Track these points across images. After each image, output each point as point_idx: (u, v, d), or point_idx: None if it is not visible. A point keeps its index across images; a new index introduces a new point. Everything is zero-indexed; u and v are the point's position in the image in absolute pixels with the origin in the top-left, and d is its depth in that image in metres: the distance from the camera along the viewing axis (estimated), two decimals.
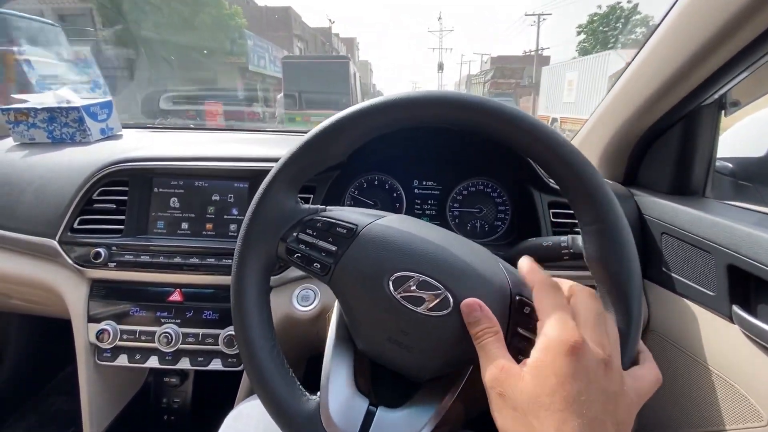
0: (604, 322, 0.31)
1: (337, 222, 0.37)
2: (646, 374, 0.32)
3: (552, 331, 0.29)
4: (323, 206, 0.40)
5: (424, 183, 0.84)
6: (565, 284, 0.35)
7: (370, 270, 0.35)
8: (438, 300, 0.34)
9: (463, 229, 0.81)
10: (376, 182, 0.83)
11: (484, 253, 0.39)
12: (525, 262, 0.37)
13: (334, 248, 0.36)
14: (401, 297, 0.34)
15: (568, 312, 0.31)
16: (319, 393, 0.35)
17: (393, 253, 0.36)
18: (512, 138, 0.35)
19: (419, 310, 0.34)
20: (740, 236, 0.53)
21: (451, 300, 0.34)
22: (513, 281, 0.36)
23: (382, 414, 0.34)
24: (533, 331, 0.32)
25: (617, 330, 0.32)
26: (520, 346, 0.33)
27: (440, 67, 58.03)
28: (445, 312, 0.34)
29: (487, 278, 0.35)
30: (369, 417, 0.34)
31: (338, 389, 0.35)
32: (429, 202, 0.83)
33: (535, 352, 0.30)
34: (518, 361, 0.31)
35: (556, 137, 0.34)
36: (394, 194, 0.83)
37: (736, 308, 0.53)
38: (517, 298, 0.35)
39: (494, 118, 0.35)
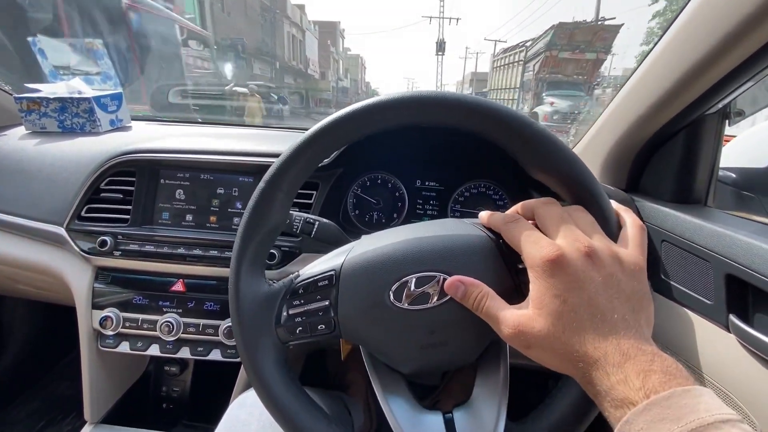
0: (569, 217, 0.32)
1: (316, 277, 0.37)
2: (631, 231, 0.33)
3: (531, 259, 0.30)
4: (294, 272, 0.39)
5: (427, 183, 0.84)
6: (523, 207, 0.35)
7: (368, 299, 0.35)
8: (439, 286, 0.34)
9: None
10: (379, 181, 0.84)
11: (448, 222, 0.39)
12: (482, 214, 0.37)
13: (326, 302, 0.36)
14: (408, 304, 0.34)
15: (534, 231, 0.31)
16: None
17: (378, 272, 0.35)
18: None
19: (429, 305, 0.34)
20: (739, 245, 0.53)
21: (450, 278, 0.34)
22: (484, 228, 0.37)
23: (459, 415, 0.35)
24: None
25: (587, 214, 0.32)
26: (527, 280, 0.33)
27: (440, 47, 40.49)
28: (449, 294, 0.34)
29: (467, 239, 0.36)
30: (451, 425, 0.35)
31: (410, 420, 0.35)
32: (431, 202, 0.84)
33: (530, 287, 0.30)
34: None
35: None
36: (397, 193, 0.84)
37: (733, 318, 0.53)
38: (501, 240, 0.35)
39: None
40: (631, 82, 0.67)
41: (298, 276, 0.38)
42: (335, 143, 0.37)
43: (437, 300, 0.34)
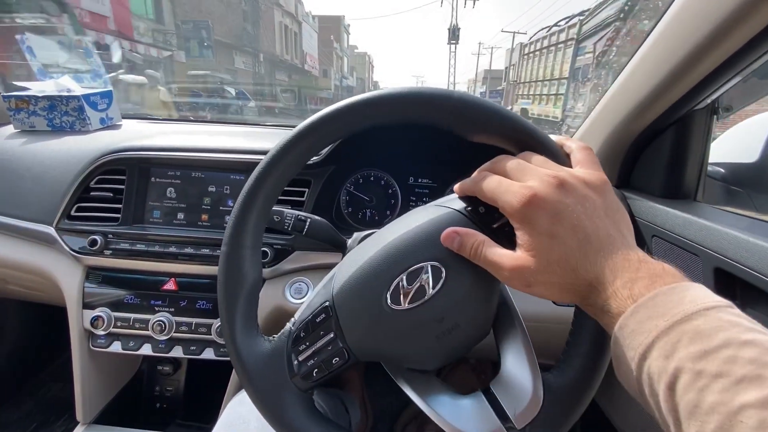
0: (525, 162, 0.33)
1: (311, 316, 0.36)
2: (580, 154, 0.34)
3: (510, 207, 0.30)
4: (290, 320, 0.39)
5: (420, 180, 0.84)
6: (481, 169, 0.36)
7: (370, 313, 0.35)
8: (430, 275, 0.34)
9: None
10: (372, 178, 0.84)
11: (415, 213, 0.39)
12: (456, 186, 0.37)
13: (331, 335, 0.36)
14: (408, 303, 0.34)
15: (503, 180, 0.32)
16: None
17: (369, 285, 0.35)
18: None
19: (427, 296, 0.34)
20: (727, 240, 0.53)
21: (438, 264, 0.34)
22: (452, 204, 0.37)
23: (497, 388, 0.35)
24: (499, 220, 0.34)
25: (537, 155, 0.33)
26: (506, 238, 0.33)
27: (453, 34, 32.14)
28: (444, 277, 0.34)
29: (435, 221, 0.36)
30: (494, 400, 0.34)
31: (457, 414, 0.35)
32: (424, 198, 0.84)
33: (517, 233, 0.31)
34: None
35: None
36: (390, 191, 0.84)
37: None
38: (467, 209, 0.36)
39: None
40: (620, 79, 0.67)
41: (294, 322, 0.38)
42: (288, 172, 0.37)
43: (433, 289, 0.34)
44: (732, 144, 0.71)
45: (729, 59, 0.50)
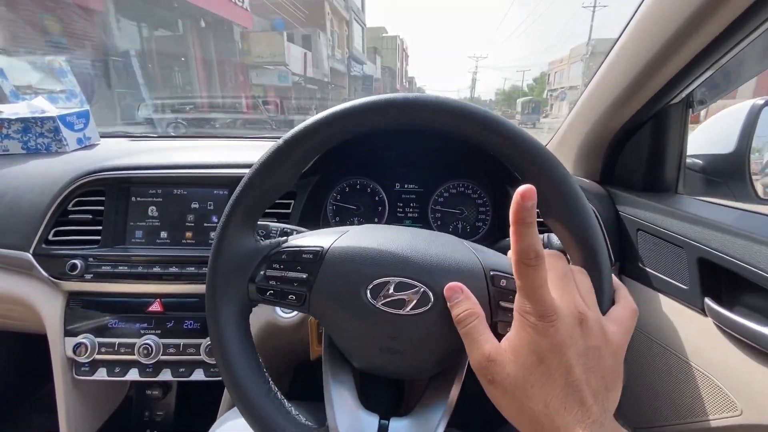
0: (571, 279, 0.31)
1: (302, 249, 0.37)
2: (623, 312, 0.33)
3: (525, 310, 0.29)
4: (283, 237, 0.39)
5: (406, 186, 0.84)
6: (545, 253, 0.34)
7: (345, 287, 0.35)
8: (418, 297, 0.34)
9: (445, 231, 0.82)
10: (357, 186, 0.83)
11: (449, 240, 0.39)
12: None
13: (304, 276, 0.36)
14: (382, 304, 0.34)
15: (540, 289, 0.30)
16: (327, 423, 0.35)
17: (363, 264, 0.35)
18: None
19: (402, 312, 0.34)
20: (709, 230, 0.54)
21: (431, 294, 0.34)
22: (483, 258, 0.36)
23: (395, 425, 0.34)
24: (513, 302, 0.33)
25: (588, 280, 0.32)
26: (506, 320, 0.33)
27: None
28: (427, 307, 0.34)
29: (459, 262, 0.35)
30: (383, 431, 0.34)
31: (345, 413, 0.35)
32: (411, 204, 0.84)
33: (512, 331, 0.30)
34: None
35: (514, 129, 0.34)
36: (377, 198, 0.83)
37: (708, 301, 0.55)
38: (491, 273, 0.35)
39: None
40: (597, 76, 0.69)
41: (287, 241, 0.38)
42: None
43: (411, 309, 0.34)
44: (708, 135, 0.73)
45: (700, 54, 0.51)
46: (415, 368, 0.36)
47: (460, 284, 0.33)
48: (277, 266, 0.37)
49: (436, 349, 0.35)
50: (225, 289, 0.36)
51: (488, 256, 0.37)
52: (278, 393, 0.37)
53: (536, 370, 0.28)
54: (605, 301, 0.33)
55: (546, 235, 0.45)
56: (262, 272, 0.37)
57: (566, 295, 0.30)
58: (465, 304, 0.32)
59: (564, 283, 0.31)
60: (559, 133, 0.86)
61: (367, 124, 0.35)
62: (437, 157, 0.82)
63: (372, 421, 0.35)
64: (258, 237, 0.39)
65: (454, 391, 0.36)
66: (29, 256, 0.71)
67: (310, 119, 0.36)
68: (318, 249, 0.36)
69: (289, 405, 0.36)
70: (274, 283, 0.36)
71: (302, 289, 0.36)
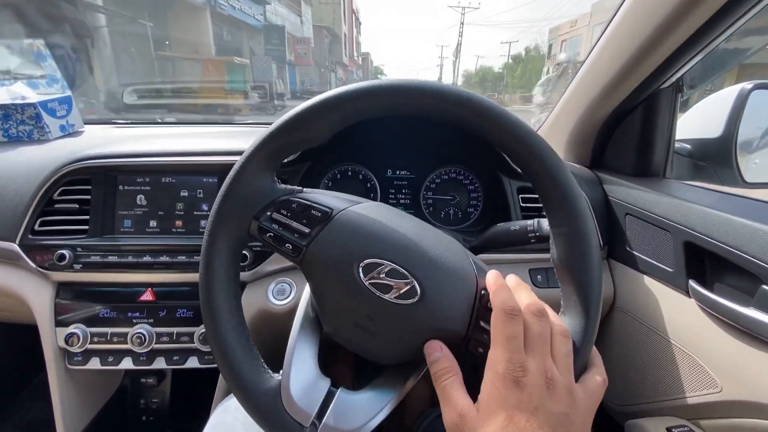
0: (547, 342, 0.32)
1: (313, 204, 0.37)
2: (594, 382, 0.33)
3: (497, 364, 0.30)
4: (300, 187, 0.40)
5: (398, 172, 0.84)
6: (522, 294, 0.34)
7: (341, 254, 0.35)
8: (406, 288, 0.34)
9: (437, 217, 0.82)
10: (349, 173, 0.83)
11: (455, 246, 0.39)
12: (491, 278, 0.36)
13: (307, 230, 0.36)
14: (370, 283, 0.34)
15: (517, 339, 0.31)
16: (281, 371, 0.36)
17: (365, 239, 0.36)
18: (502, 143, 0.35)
19: (386, 297, 0.34)
20: (695, 214, 0.55)
21: (419, 290, 0.34)
22: (480, 275, 0.37)
23: (342, 395, 0.35)
24: None
25: (569, 344, 0.32)
26: (480, 339, 0.34)
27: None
28: (411, 301, 0.34)
29: (456, 270, 0.36)
30: (329, 398, 0.35)
31: (301, 369, 0.36)
32: (403, 191, 0.84)
33: (484, 386, 0.31)
34: (476, 366, 0.31)
35: (524, 127, 0.34)
36: (368, 184, 0.83)
37: (692, 283, 0.56)
38: (483, 292, 0.35)
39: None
40: (588, 61, 0.68)
41: (302, 192, 0.39)
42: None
43: (395, 298, 0.34)
44: (697, 120, 0.73)
45: (690, 39, 0.51)
46: (381, 352, 0.37)
47: (440, 343, 0.34)
48: (285, 213, 0.37)
49: (405, 342, 0.35)
50: (229, 216, 0.37)
51: (485, 272, 0.37)
52: (246, 330, 0.37)
53: (506, 427, 0.28)
54: (579, 365, 0.33)
55: (536, 220, 0.45)
56: (268, 213, 0.37)
57: (538, 357, 0.30)
58: (443, 362, 0.33)
59: (538, 345, 0.31)
60: (549, 120, 0.86)
61: (417, 107, 0.35)
62: (428, 144, 0.82)
63: (323, 384, 0.35)
64: (276, 180, 0.39)
65: (408, 385, 0.37)
66: (15, 246, 0.70)
67: (361, 84, 0.36)
68: (328, 210, 0.37)
69: (253, 344, 0.37)
70: (277, 227, 0.37)
71: (301, 242, 0.36)
